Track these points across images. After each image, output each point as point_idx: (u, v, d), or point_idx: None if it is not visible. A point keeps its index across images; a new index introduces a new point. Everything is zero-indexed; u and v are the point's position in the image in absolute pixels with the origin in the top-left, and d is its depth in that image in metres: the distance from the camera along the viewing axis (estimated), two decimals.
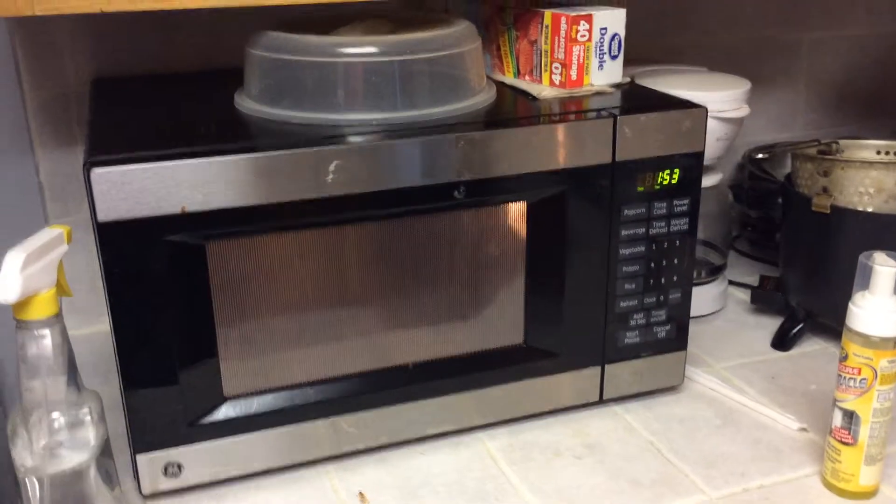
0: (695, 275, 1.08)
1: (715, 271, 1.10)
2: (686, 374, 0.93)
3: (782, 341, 1.00)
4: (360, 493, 0.76)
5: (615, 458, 0.80)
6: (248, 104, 0.79)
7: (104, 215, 0.65)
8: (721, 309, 1.10)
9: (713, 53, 1.20)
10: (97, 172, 0.64)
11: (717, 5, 1.20)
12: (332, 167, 0.69)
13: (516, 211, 0.78)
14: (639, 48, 1.07)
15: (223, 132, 0.74)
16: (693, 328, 1.04)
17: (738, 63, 1.21)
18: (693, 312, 1.07)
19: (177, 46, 0.99)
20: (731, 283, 1.13)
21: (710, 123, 0.97)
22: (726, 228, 1.10)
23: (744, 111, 0.99)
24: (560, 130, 0.75)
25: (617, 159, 0.78)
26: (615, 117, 0.77)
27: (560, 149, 0.76)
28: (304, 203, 0.70)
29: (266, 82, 0.78)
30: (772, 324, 1.04)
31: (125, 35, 0.96)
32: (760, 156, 1.08)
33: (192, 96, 0.87)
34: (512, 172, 0.75)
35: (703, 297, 1.08)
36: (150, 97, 0.88)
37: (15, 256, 0.59)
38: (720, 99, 0.97)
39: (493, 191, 0.75)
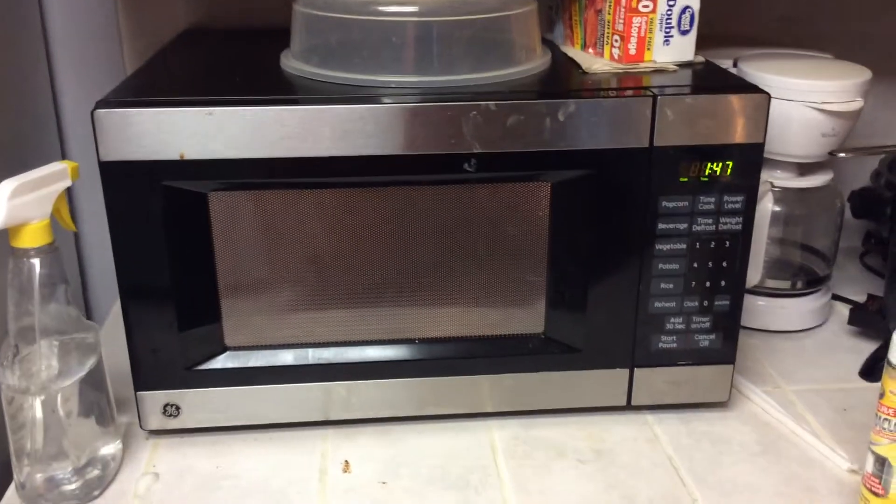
0: (790, 285, 0.98)
1: (815, 282, 0.98)
2: (743, 392, 0.84)
3: (871, 370, 0.87)
4: (345, 462, 0.74)
5: (621, 470, 0.73)
6: (288, 61, 0.78)
7: (105, 155, 0.67)
8: (820, 325, 0.98)
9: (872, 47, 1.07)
10: (99, 113, 0.66)
11: None
12: (326, 127, 0.67)
13: (538, 191, 0.72)
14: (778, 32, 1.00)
15: (250, 87, 0.74)
16: (778, 343, 0.95)
17: None
18: (785, 326, 0.97)
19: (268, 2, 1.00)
20: (834, 297, 1.00)
21: (813, 116, 0.87)
22: (835, 235, 0.97)
23: (855, 105, 0.86)
24: (589, 107, 0.69)
25: (655, 144, 0.70)
26: (655, 97, 0.69)
27: (589, 128, 0.69)
28: (302, 161, 0.68)
29: (302, 38, 0.78)
30: (871, 349, 0.91)
31: None
32: None
33: (255, 52, 0.87)
34: (529, 149, 0.70)
35: (798, 310, 0.97)
36: (214, 50, 0.90)
37: (5, 185, 0.62)
38: (825, 88, 0.85)
39: (508, 167, 0.70)
